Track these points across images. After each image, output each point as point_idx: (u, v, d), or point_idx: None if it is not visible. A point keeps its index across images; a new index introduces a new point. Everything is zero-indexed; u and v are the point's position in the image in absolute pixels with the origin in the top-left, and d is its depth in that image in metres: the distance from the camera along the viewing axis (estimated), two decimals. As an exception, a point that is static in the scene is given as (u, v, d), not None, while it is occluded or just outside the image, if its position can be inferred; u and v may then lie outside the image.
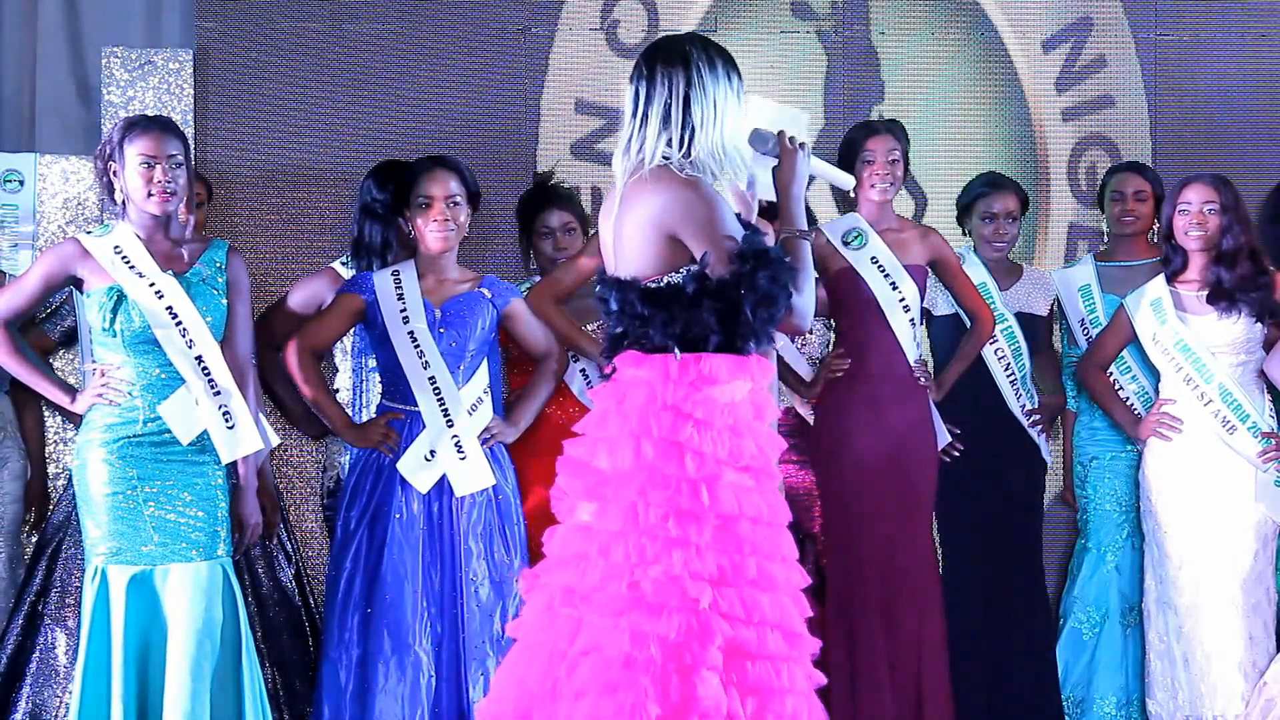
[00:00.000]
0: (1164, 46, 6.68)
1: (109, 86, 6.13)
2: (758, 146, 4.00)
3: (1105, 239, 6.30)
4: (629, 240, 3.83)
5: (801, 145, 4.00)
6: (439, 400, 5.13)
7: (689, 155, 3.82)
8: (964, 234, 6.13)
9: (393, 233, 5.42)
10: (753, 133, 3.99)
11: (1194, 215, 5.61)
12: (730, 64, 3.88)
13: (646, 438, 3.75)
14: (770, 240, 3.89)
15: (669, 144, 3.82)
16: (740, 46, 6.53)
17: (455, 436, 5.14)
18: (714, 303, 3.76)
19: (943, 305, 5.96)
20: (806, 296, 3.87)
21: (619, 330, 3.83)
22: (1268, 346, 5.68)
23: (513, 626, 3.93)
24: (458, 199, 5.21)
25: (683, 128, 3.82)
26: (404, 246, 5.40)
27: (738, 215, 3.87)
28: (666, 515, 3.70)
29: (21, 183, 6.07)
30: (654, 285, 3.79)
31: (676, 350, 3.78)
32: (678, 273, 3.78)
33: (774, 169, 4.00)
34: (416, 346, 5.15)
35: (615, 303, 3.82)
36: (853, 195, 5.68)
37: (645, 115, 3.84)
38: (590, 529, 3.77)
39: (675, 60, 3.84)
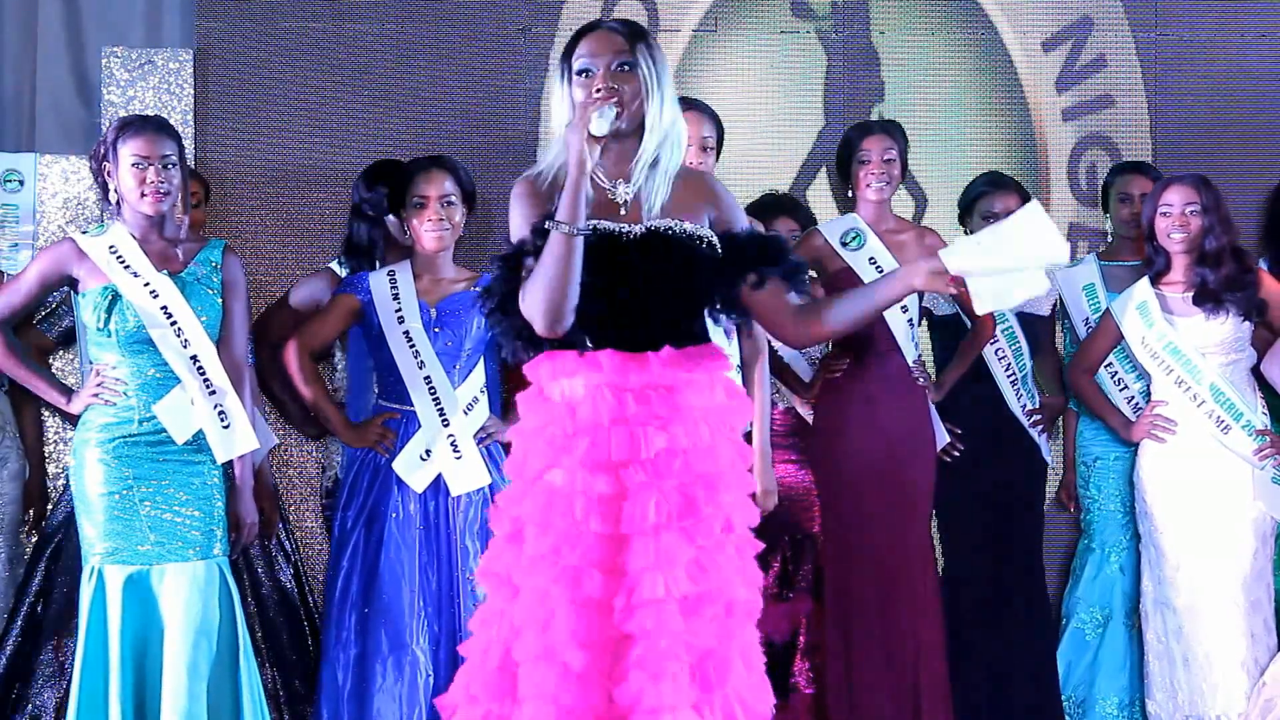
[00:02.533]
0: (1164, 46, 6.67)
1: (109, 86, 6.14)
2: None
3: (1109, 238, 6.29)
4: None
5: (594, 117, 3.72)
6: (434, 400, 5.14)
7: None
8: (965, 234, 6.13)
9: (379, 233, 5.44)
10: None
11: (1176, 217, 5.59)
12: (566, 53, 3.83)
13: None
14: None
15: None
16: (740, 46, 6.58)
17: (451, 436, 5.14)
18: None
19: (943, 305, 5.96)
20: (528, 300, 3.71)
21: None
22: (1256, 344, 5.67)
23: None
24: (453, 199, 5.22)
25: None
26: (391, 247, 5.41)
27: (551, 215, 3.72)
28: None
29: (21, 183, 6.09)
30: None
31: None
32: None
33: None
34: (412, 346, 5.15)
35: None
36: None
37: None
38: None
39: None
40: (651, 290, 3.75)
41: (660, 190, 3.80)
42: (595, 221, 3.73)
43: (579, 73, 3.78)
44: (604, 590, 3.64)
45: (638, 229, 3.76)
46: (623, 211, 3.80)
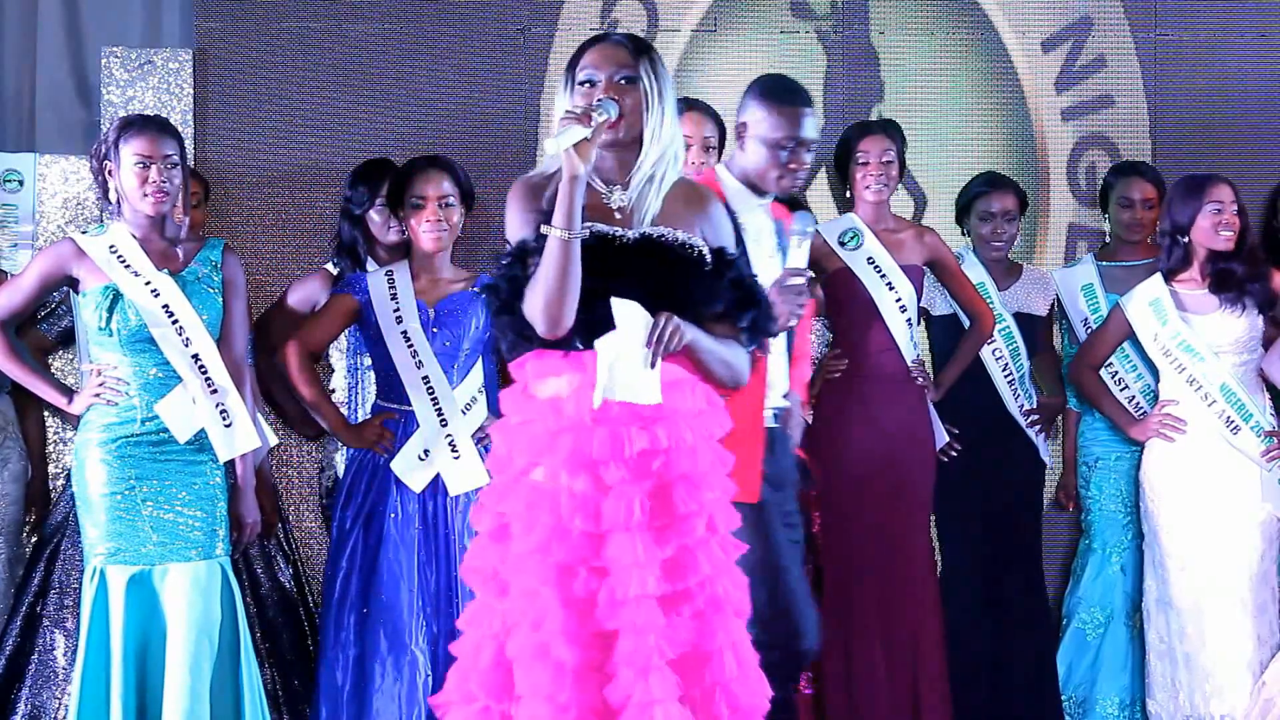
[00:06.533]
0: (1164, 46, 6.67)
1: (109, 86, 6.13)
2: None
3: (1108, 238, 6.29)
4: None
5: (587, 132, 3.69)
6: (433, 400, 5.15)
7: None
8: (963, 234, 6.13)
9: (358, 231, 5.46)
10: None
11: (1226, 216, 5.60)
12: (572, 64, 3.88)
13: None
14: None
15: None
16: (740, 46, 6.57)
17: (449, 436, 5.15)
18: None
19: (941, 305, 5.96)
20: (530, 302, 3.74)
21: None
22: (1266, 344, 5.67)
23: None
24: (451, 199, 5.23)
25: None
26: (372, 245, 5.42)
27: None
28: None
29: (21, 183, 6.08)
30: None
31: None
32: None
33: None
34: (410, 346, 5.15)
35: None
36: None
37: None
38: None
39: None
40: (642, 294, 3.76)
41: (652, 203, 3.83)
42: (591, 225, 3.77)
43: (581, 83, 3.83)
44: (589, 587, 3.68)
45: (632, 234, 3.81)
46: (618, 217, 3.85)
